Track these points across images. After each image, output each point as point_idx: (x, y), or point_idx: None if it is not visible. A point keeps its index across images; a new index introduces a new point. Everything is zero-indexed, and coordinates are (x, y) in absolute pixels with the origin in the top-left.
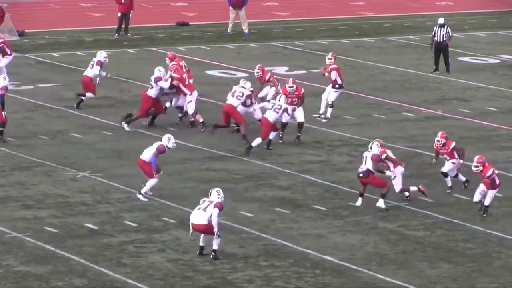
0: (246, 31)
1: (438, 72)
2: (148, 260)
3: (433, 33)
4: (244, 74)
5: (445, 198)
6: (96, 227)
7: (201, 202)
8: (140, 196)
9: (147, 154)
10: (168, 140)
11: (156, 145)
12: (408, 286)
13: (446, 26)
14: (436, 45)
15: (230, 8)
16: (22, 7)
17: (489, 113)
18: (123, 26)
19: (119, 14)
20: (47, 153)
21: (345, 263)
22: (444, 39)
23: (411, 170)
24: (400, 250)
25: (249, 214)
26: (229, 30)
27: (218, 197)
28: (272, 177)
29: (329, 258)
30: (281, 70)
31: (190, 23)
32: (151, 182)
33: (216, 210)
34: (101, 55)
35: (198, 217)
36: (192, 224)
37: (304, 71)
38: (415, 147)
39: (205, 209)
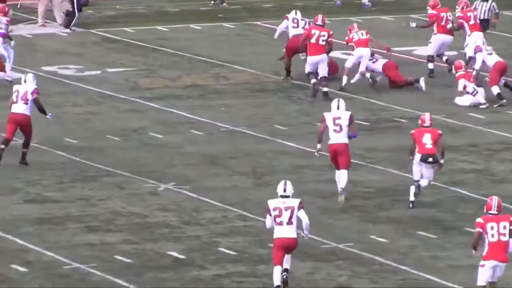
0: (367, 3)
1: None
2: None
3: (473, 7)
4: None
5: None
6: (182, 256)
7: (273, 211)
8: None
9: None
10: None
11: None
12: None
13: (490, 1)
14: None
15: None
16: None
17: None
18: None
19: None
20: (118, 159)
21: None
22: (488, 16)
23: None
24: None
25: (382, 240)
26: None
27: (293, 190)
28: None
29: None
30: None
31: None
32: None
33: (303, 213)
34: None
35: (287, 231)
36: (282, 239)
37: None
38: None
39: (290, 222)
